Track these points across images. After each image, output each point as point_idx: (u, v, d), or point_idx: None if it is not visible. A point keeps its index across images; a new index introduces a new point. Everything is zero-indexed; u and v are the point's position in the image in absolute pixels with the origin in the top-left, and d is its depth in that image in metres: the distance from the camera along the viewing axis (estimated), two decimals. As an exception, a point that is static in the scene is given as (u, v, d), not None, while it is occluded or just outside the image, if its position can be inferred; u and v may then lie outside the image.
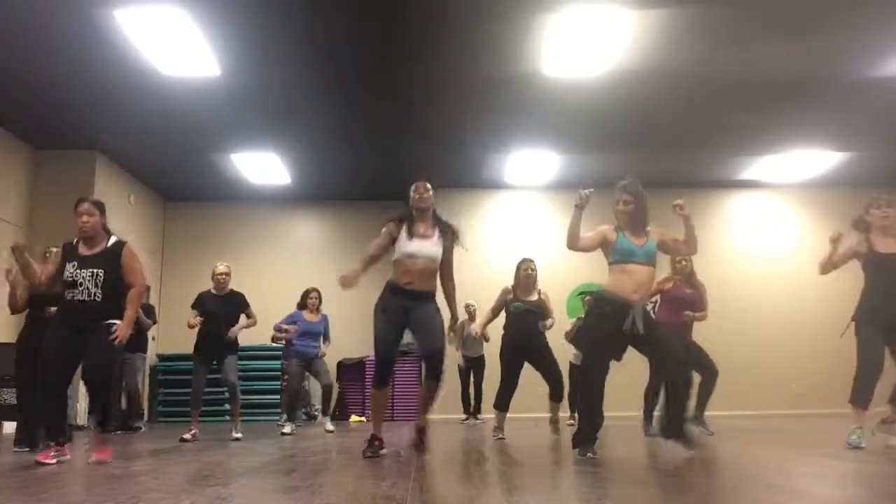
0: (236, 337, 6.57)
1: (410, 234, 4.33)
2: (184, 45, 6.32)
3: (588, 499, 2.69)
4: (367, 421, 10.03)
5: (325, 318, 7.52)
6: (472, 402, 8.98)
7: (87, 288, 4.22)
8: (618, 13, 5.97)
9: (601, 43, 6.45)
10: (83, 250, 4.35)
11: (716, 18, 6.17)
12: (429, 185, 4.47)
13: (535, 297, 6.01)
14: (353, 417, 10.18)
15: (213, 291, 6.65)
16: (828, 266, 4.84)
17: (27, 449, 5.09)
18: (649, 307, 5.15)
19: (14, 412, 5.73)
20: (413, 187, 4.46)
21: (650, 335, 4.21)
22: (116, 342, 4.21)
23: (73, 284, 4.23)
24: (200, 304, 6.60)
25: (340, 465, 3.97)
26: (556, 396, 6.06)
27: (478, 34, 6.36)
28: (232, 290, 6.68)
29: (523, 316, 5.95)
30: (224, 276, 6.62)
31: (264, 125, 8.45)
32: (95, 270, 4.25)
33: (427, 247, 4.31)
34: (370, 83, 7.39)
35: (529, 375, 6.12)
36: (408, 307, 4.30)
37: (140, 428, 7.78)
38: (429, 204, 4.44)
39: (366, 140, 9.01)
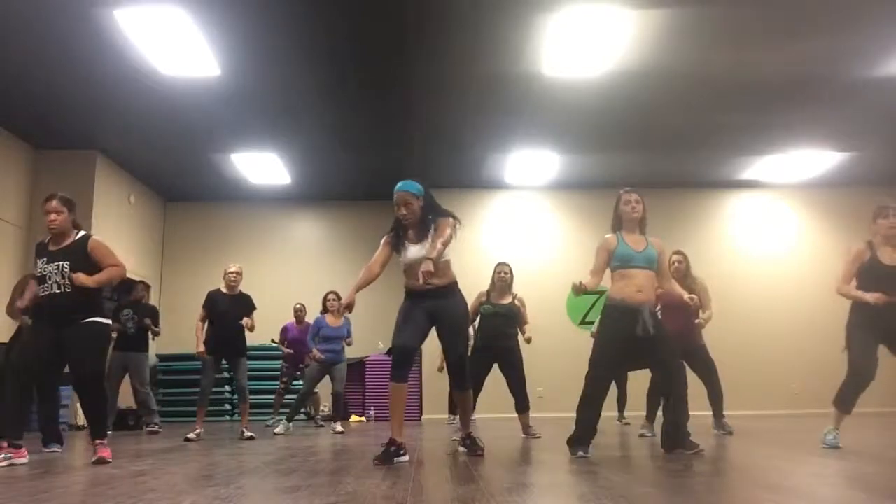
0: (245, 340, 6.60)
1: (406, 241, 4.26)
2: (184, 45, 6.33)
3: (587, 498, 2.68)
4: (368, 421, 10.04)
5: (347, 322, 7.50)
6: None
7: (56, 282, 4.28)
8: (618, 13, 5.97)
9: (601, 43, 6.46)
10: (52, 246, 4.42)
11: (716, 18, 6.17)
12: (411, 195, 4.19)
13: (507, 301, 6.13)
14: (354, 417, 10.18)
15: (224, 291, 6.64)
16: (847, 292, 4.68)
17: None
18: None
19: None
20: (394, 199, 4.22)
21: (658, 337, 4.25)
22: (76, 281, 4.20)
23: (43, 280, 4.32)
24: (211, 303, 6.58)
25: (341, 466, 3.97)
26: (520, 407, 6.05)
27: (478, 34, 6.36)
28: (241, 292, 6.68)
29: (491, 318, 6.08)
30: (235, 276, 6.63)
31: (264, 125, 8.45)
32: (61, 263, 4.30)
33: (421, 251, 4.16)
34: (370, 83, 7.40)
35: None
36: (435, 310, 4.20)
37: (157, 429, 7.55)
38: (410, 218, 4.21)
39: (366, 140, 9.01)
